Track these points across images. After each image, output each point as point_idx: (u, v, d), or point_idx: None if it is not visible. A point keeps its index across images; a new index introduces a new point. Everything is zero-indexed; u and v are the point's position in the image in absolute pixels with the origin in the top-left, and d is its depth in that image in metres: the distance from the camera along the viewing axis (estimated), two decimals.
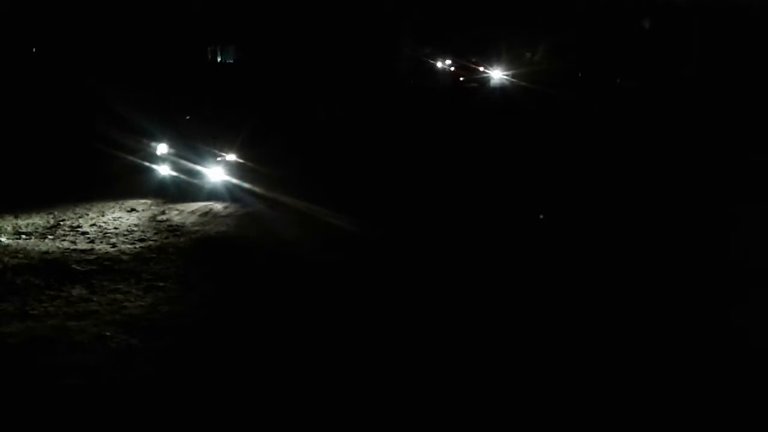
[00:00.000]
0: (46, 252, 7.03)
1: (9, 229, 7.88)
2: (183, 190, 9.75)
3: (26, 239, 7.56)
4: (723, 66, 16.43)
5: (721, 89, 15.22)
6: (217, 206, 9.14)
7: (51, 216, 8.49)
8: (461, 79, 23.65)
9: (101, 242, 7.54)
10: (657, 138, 12.11)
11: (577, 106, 16.10)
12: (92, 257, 6.91)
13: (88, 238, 7.66)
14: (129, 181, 9.94)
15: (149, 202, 9.41)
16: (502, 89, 21.96)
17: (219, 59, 17.01)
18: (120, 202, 9.33)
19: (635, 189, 9.05)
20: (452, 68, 24.22)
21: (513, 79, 22.40)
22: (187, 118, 10.76)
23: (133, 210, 8.94)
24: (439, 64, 24.26)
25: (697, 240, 6.98)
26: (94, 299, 5.78)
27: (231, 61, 17.03)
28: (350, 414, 3.93)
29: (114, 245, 7.39)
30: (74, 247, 7.29)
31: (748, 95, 14.22)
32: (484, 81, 23.32)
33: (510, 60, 23.25)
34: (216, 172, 9.95)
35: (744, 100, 14.01)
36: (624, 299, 5.47)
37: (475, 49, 23.91)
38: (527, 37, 23.15)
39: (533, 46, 23.16)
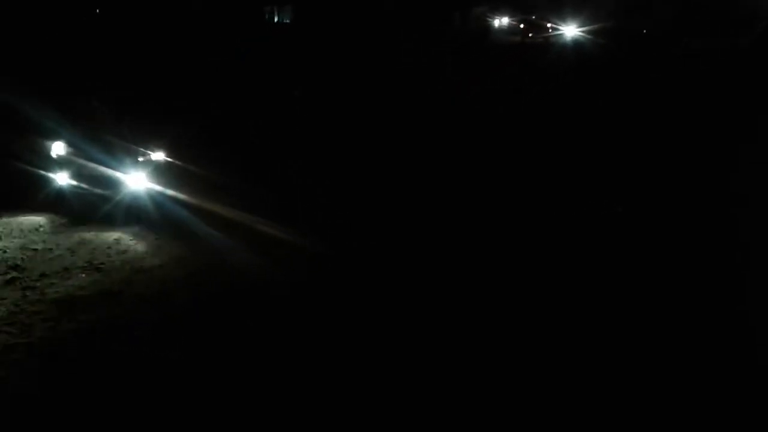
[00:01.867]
0: None
1: None
2: (89, 206, 7.05)
3: None
4: None
5: None
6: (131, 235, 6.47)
7: None
8: (530, 35, 24.97)
9: None
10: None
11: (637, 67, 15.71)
12: None
13: None
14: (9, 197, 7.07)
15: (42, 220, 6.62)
16: (573, 45, 22.36)
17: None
18: None
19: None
20: (521, 26, 25.61)
21: (586, 36, 22.93)
22: (94, 104, 7.75)
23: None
24: (497, 22, 25.72)
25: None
26: None
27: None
28: None
29: None
30: None
31: None
32: (554, 37, 23.88)
33: (583, 17, 23.63)
34: (137, 179, 7.09)
35: None
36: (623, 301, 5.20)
37: (548, 7, 24.79)
38: None
39: (604, 4, 23.24)
